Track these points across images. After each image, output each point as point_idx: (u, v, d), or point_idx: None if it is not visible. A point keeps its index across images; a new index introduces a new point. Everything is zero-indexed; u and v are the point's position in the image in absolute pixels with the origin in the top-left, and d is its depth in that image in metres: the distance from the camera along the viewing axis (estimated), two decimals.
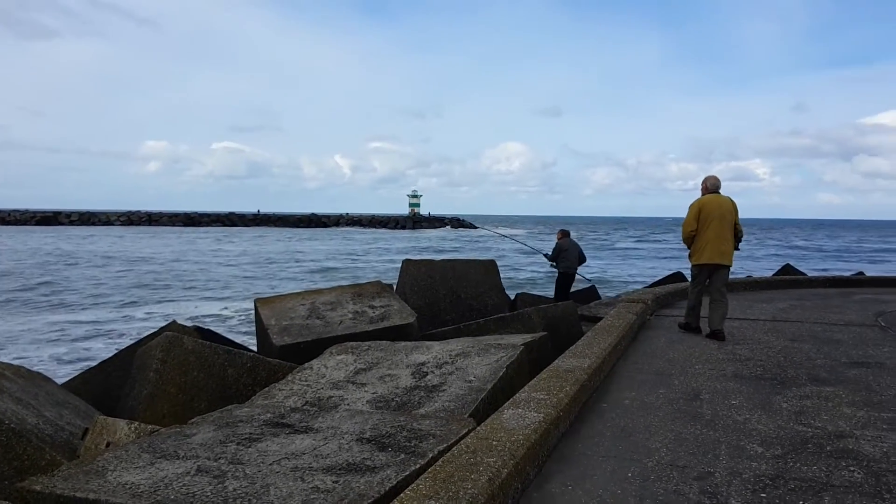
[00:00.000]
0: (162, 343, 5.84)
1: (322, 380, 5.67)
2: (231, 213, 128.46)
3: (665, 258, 55.36)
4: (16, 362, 7.61)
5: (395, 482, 3.23)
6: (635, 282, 33.71)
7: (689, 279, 8.36)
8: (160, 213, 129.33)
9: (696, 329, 8.12)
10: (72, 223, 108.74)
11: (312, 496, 3.09)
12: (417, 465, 3.44)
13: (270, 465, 3.52)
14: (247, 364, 6.07)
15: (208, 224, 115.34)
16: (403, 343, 6.67)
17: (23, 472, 4.07)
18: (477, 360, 5.76)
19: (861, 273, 18.84)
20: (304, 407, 4.90)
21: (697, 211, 7.79)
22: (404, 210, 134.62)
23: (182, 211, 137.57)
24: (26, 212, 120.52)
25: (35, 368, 6.93)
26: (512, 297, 12.41)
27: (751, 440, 4.16)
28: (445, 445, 3.71)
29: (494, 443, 3.48)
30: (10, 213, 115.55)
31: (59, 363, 14.87)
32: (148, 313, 22.85)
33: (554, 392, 4.54)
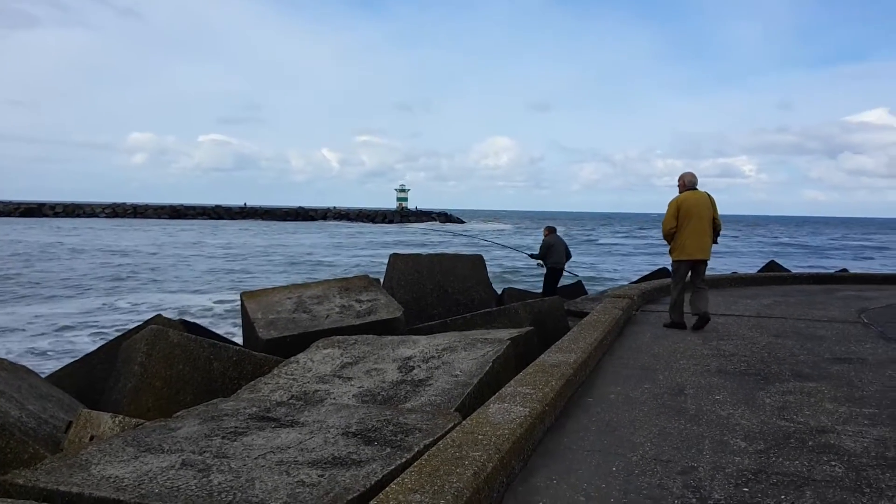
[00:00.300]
0: (147, 336, 5.80)
1: (308, 374, 5.66)
2: (217, 206, 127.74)
3: (651, 254, 55.64)
4: None
5: (380, 476, 3.23)
6: (621, 277, 33.87)
7: (672, 276, 8.42)
8: (146, 205, 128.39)
9: (681, 325, 8.18)
10: (56, 215, 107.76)
11: (298, 490, 3.09)
12: (403, 459, 3.45)
13: (256, 458, 3.52)
14: (232, 357, 6.04)
15: (194, 217, 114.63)
16: (390, 337, 6.67)
17: (5, 465, 4.04)
18: (463, 354, 5.77)
19: (845, 270, 19.04)
20: (290, 401, 4.89)
21: (676, 208, 7.93)
22: (392, 204, 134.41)
23: (168, 203, 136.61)
24: (9, 203, 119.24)
25: (18, 361, 6.87)
26: (499, 291, 12.44)
27: (734, 435, 4.20)
28: (431, 439, 3.72)
29: (480, 437, 3.49)
30: None
31: (42, 356, 14.74)
32: (133, 305, 22.69)
33: (540, 387, 4.56)
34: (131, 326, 8.37)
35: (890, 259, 54.89)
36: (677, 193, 8.20)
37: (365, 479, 3.19)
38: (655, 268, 18.33)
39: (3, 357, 6.36)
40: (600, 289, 20.22)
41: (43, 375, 6.84)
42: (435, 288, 10.20)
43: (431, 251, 11.77)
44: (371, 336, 6.71)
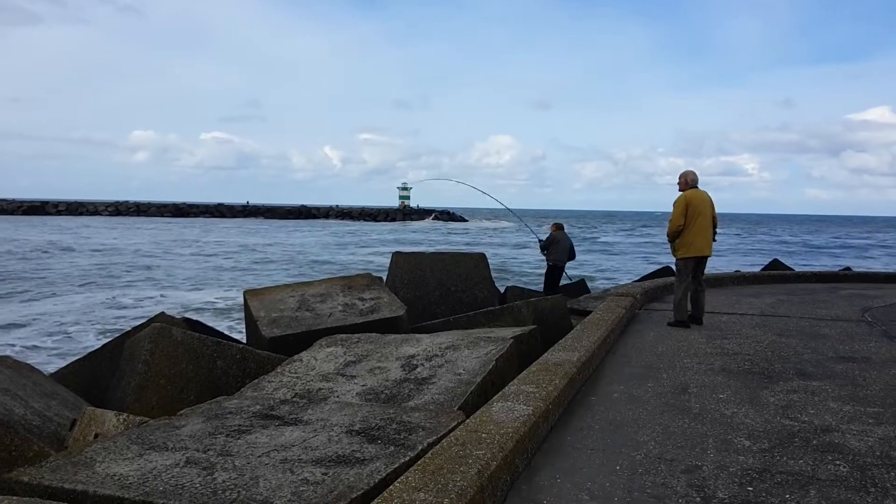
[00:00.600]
0: (151, 334, 5.81)
1: (311, 372, 5.66)
2: (220, 205, 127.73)
3: (654, 252, 55.58)
4: (2, 353, 7.56)
5: (384, 474, 3.23)
6: (624, 276, 33.84)
7: (676, 274, 8.41)
8: (148, 203, 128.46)
9: (686, 324, 8.20)
10: (59, 213, 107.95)
11: (301, 488, 3.09)
12: (407, 458, 3.45)
13: (259, 456, 3.52)
14: (236, 356, 6.05)
15: (197, 215, 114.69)
16: (393, 336, 6.67)
17: (10, 463, 4.05)
18: (466, 352, 5.77)
19: (848, 268, 19.00)
20: (294, 399, 4.90)
21: (685, 206, 7.95)
22: (395, 202, 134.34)
23: (171, 201, 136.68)
24: (13, 201, 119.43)
25: (22, 359, 6.88)
26: (502, 290, 12.43)
27: (738, 434, 4.19)
28: (435, 438, 3.72)
29: (484, 435, 3.49)
30: None
31: (46, 354, 14.77)
32: (137, 303, 22.72)
33: (543, 385, 4.56)
34: (135, 324, 8.37)
35: (893, 258, 54.77)
36: (678, 191, 8.23)
37: (369, 478, 3.19)
38: (658, 266, 18.31)
39: (8, 355, 6.38)
40: (603, 287, 20.22)
41: (47, 373, 6.86)
42: (438, 286, 10.20)
43: (435, 249, 11.77)
44: (374, 334, 6.71)
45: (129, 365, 5.96)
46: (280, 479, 3.21)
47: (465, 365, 5.45)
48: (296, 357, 6.08)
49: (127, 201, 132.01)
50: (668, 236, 8.24)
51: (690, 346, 7.03)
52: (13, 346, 15.32)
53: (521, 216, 18.05)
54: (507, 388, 4.54)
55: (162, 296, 24.86)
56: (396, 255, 10.61)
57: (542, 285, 13.89)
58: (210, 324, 10.47)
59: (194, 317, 12.12)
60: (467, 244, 60.57)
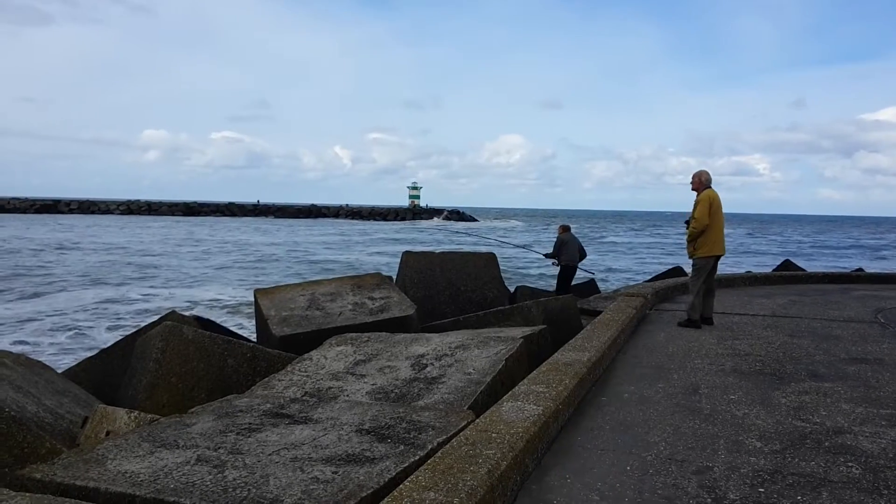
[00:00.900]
0: (162, 332, 5.84)
1: (322, 371, 5.68)
2: (231, 204, 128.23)
3: (664, 253, 55.37)
4: (15, 350, 7.60)
5: (394, 473, 3.23)
6: (635, 276, 33.73)
7: (693, 273, 8.34)
8: (160, 202, 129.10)
9: (699, 324, 8.18)
10: (71, 212, 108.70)
11: (312, 486, 3.10)
12: (417, 457, 3.45)
13: (270, 455, 3.53)
14: (246, 354, 6.07)
15: (208, 214, 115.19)
16: (403, 335, 6.68)
17: (23, 459, 4.08)
18: (476, 352, 5.77)
19: (860, 269, 18.86)
20: (304, 398, 4.91)
21: (709, 205, 7.95)
22: (404, 201, 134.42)
23: (182, 201, 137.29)
24: (25, 200, 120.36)
25: (34, 356, 6.93)
26: (511, 289, 12.42)
27: (749, 435, 4.17)
28: (445, 437, 3.72)
29: (494, 435, 3.49)
30: (9, 200, 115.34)
31: (58, 351, 14.87)
32: (147, 301, 22.84)
33: (553, 385, 4.55)
34: (145, 321, 8.42)
35: None
36: (692, 191, 8.22)
37: (379, 477, 3.19)
38: (668, 266, 18.23)
39: (20, 353, 6.42)
40: (613, 287, 20.16)
41: (59, 371, 6.90)
42: (447, 286, 10.20)
43: (445, 249, 11.78)
44: (384, 334, 6.71)
45: (141, 363, 5.99)
46: (290, 477, 3.21)
47: (475, 364, 5.45)
48: (306, 356, 6.10)
49: (138, 200, 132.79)
50: (689, 235, 8.18)
51: (701, 347, 7.00)
52: (26, 343, 15.43)
53: (525, 246, 17.98)
54: (517, 387, 4.54)
55: (170, 293, 24.98)
56: (406, 255, 10.61)
57: (555, 285, 13.88)
58: (218, 322, 10.51)
59: (203, 314, 12.17)
60: (474, 244, 60.56)
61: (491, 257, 11.00)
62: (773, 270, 17.27)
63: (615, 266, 42.52)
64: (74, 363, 8.01)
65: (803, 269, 17.11)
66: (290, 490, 3.06)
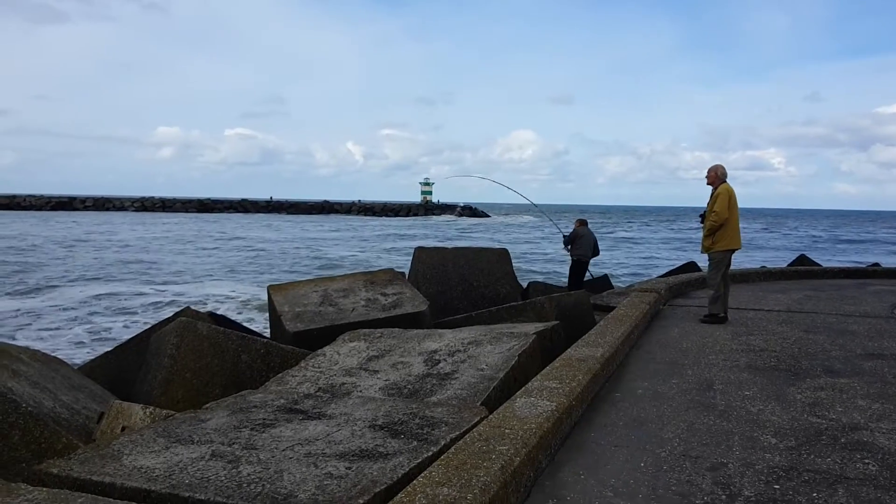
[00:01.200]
0: (176, 328, 5.87)
1: (335, 366, 5.69)
2: (244, 200, 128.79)
3: (678, 248, 55.09)
4: (32, 346, 7.68)
5: (407, 469, 3.24)
6: (648, 271, 33.58)
7: (712, 268, 8.28)
8: (174, 199, 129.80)
9: (723, 319, 8.15)
10: (86, 209, 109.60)
11: (326, 482, 3.11)
12: (430, 453, 3.45)
13: (284, 450, 3.54)
14: (260, 350, 6.10)
15: (221, 210, 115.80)
16: (416, 331, 6.68)
17: (40, 455, 4.12)
18: (489, 348, 5.76)
19: (877, 264, 18.66)
20: (317, 393, 4.92)
21: (729, 198, 7.95)
22: (417, 197, 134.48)
23: (195, 197, 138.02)
24: (41, 197, 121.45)
25: (50, 352, 6.99)
26: (524, 285, 12.40)
27: (764, 431, 4.14)
28: (458, 433, 3.72)
29: (507, 431, 3.49)
30: (25, 198, 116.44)
31: (74, 347, 15.01)
32: (160, 296, 23.00)
33: (566, 381, 4.54)
34: (158, 316, 8.48)
35: None
36: (708, 185, 8.19)
37: (392, 472, 3.20)
38: (683, 262, 18.13)
39: (37, 349, 6.48)
40: (627, 282, 20.07)
41: (75, 367, 6.96)
42: (460, 281, 10.20)
43: (459, 244, 11.76)
44: (397, 329, 6.72)
45: (156, 359, 6.03)
46: (304, 472, 3.23)
47: (488, 360, 5.45)
48: (319, 352, 6.12)
49: (152, 197, 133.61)
50: (708, 229, 8.11)
51: (716, 343, 6.96)
52: (42, 338, 15.58)
53: (544, 210, 18.00)
54: (530, 383, 4.53)
55: (183, 289, 25.13)
56: (419, 250, 10.62)
57: (567, 280, 13.84)
58: (231, 317, 10.57)
59: (216, 310, 12.24)
60: (490, 239, 60.49)
61: (503, 253, 10.99)
62: (789, 265, 17.14)
63: (628, 261, 42.36)
64: (90, 359, 8.09)
65: (819, 264, 16.96)
66: (304, 485, 3.08)
